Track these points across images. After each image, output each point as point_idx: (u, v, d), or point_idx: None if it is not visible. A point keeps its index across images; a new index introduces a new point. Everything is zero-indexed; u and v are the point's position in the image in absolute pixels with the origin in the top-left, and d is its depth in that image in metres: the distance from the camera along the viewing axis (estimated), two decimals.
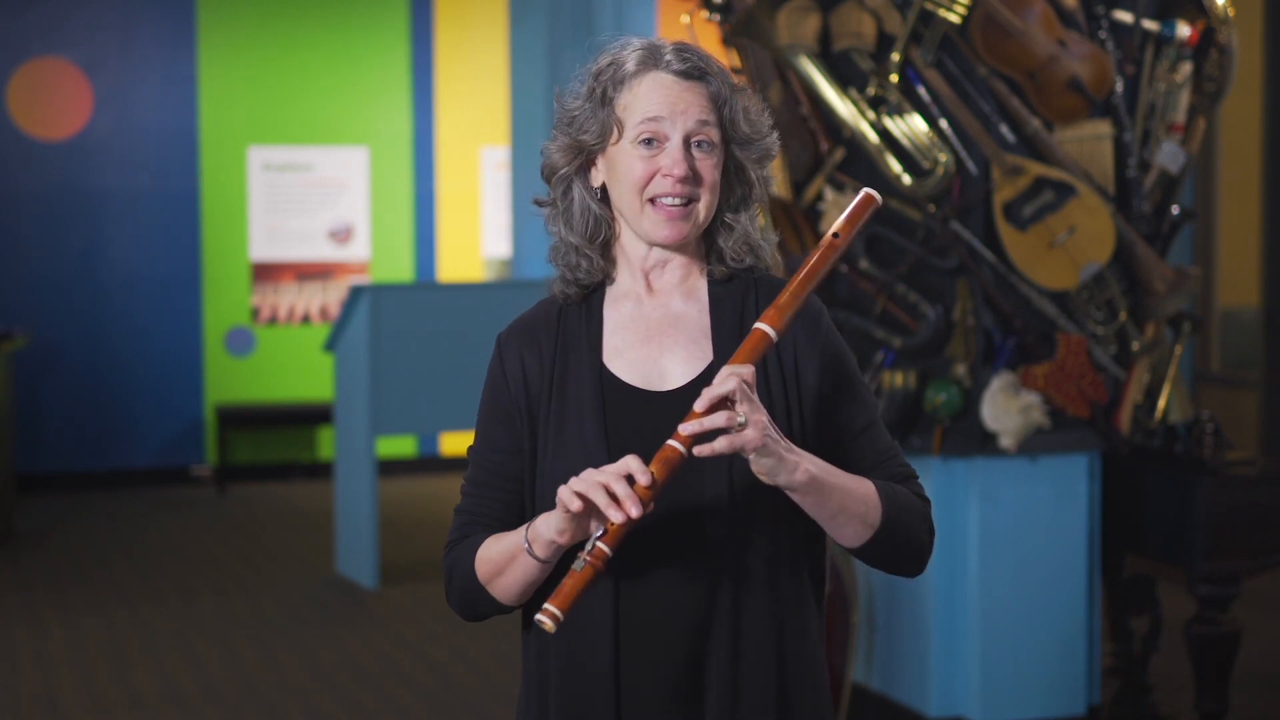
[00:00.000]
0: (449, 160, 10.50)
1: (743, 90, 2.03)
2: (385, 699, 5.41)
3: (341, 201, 10.32)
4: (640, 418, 1.97)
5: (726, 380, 1.80)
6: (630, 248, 2.04)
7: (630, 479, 1.78)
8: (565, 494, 1.81)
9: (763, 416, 1.81)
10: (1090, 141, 4.60)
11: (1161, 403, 4.73)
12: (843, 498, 1.91)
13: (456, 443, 10.41)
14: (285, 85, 10.17)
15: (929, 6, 4.51)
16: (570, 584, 1.76)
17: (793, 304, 1.87)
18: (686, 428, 1.79)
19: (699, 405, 1.79)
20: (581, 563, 1.76)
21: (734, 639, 1.94)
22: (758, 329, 1.86)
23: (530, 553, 1.89)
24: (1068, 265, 4.48)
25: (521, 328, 2.08)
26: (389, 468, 9.87)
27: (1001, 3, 4.48)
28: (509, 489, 2.04)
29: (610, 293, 2.06)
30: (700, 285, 2.05)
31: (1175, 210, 4.75)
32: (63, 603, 6.84)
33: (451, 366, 7.17)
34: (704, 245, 2.06)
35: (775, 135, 2.05)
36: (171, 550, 8.00)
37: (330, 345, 7.58)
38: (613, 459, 1.92)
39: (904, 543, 1.99)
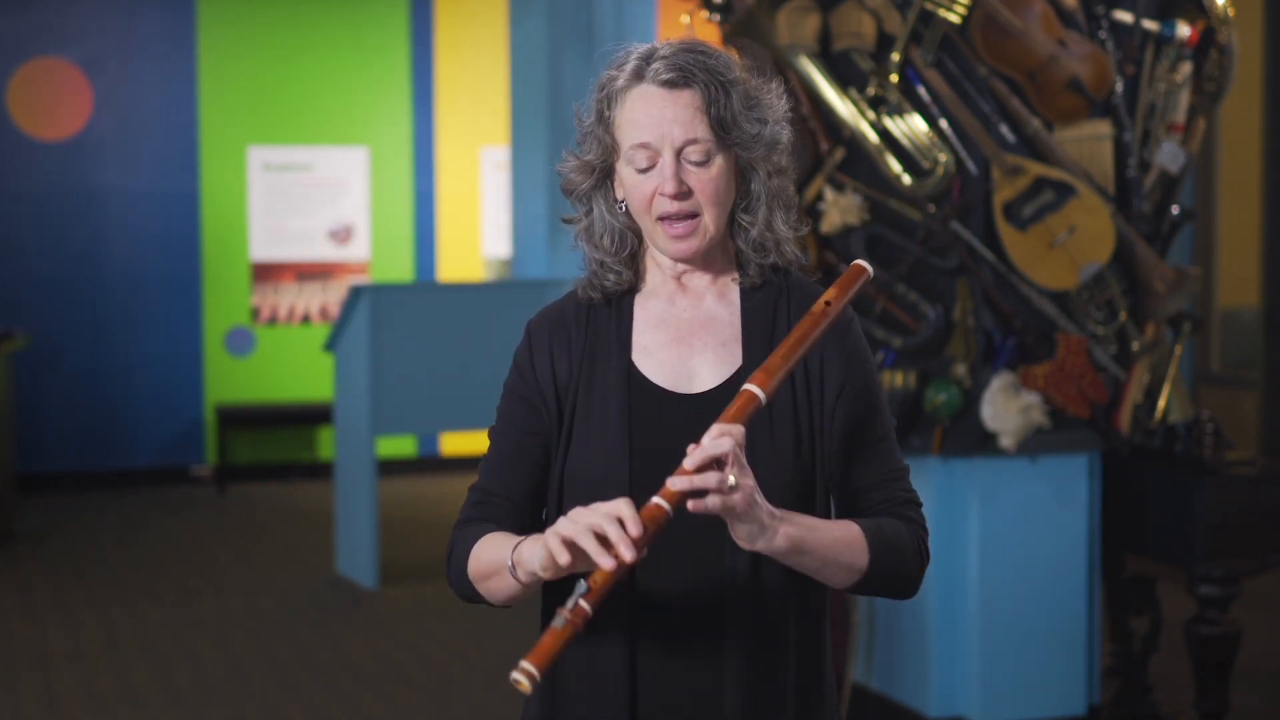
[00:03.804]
0: (449, 160, 10.50)
1: (742, 82, 1.97)
2: (385, 699, 5.41)
3: (341, 201, 10.32)
4: (665, 419, 1.96)
5: (720, 441, 1.76)
6: (660, 256, 2.04)
7: (620, 523, 1.72)
8: (554, 544, 1.74)
9: (750, 481, 1.78)
10: (1090, 141, 4.60)
11: (1161, 403, 4.73)
12: (826, 553, 1.89)
13: (456, 443, 10.41)
14: (285, 85, 10.17)
15: (929, 6, 4.51)
16: (549, 641, 1.69)
17: (783, 366, 1.85)
18: (676, 483, 1.74)
19: (689, 463, 1.75)
20: (562, 620, 1.69)
21: (753, 643, 1.94)
22: (747, 390, 1.82)
23: (513, 574, 1.86)
24: (1068, 265, 4.48)
25: (553, 318, 2.06)
26: (389, 468, 9.87)
27: (1001, 3, 4.48)
28: (526, 470, 2.01)
29: (641, 293, 2.06)
30: (732, 286, 2.04)
31: (1175, 210, 4.75)
32: (62, 602, 6.84)
33: (451, 366, 7.17)
34: (730, 247, 2.04)
35: (780, 120, 2.00)
36: (171, 550, 8.00)
37: (330, 345, 7.58)
38: (634, 460, 1.92)
39: (890, 580, 1.99)
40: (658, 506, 1.73)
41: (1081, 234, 4.47)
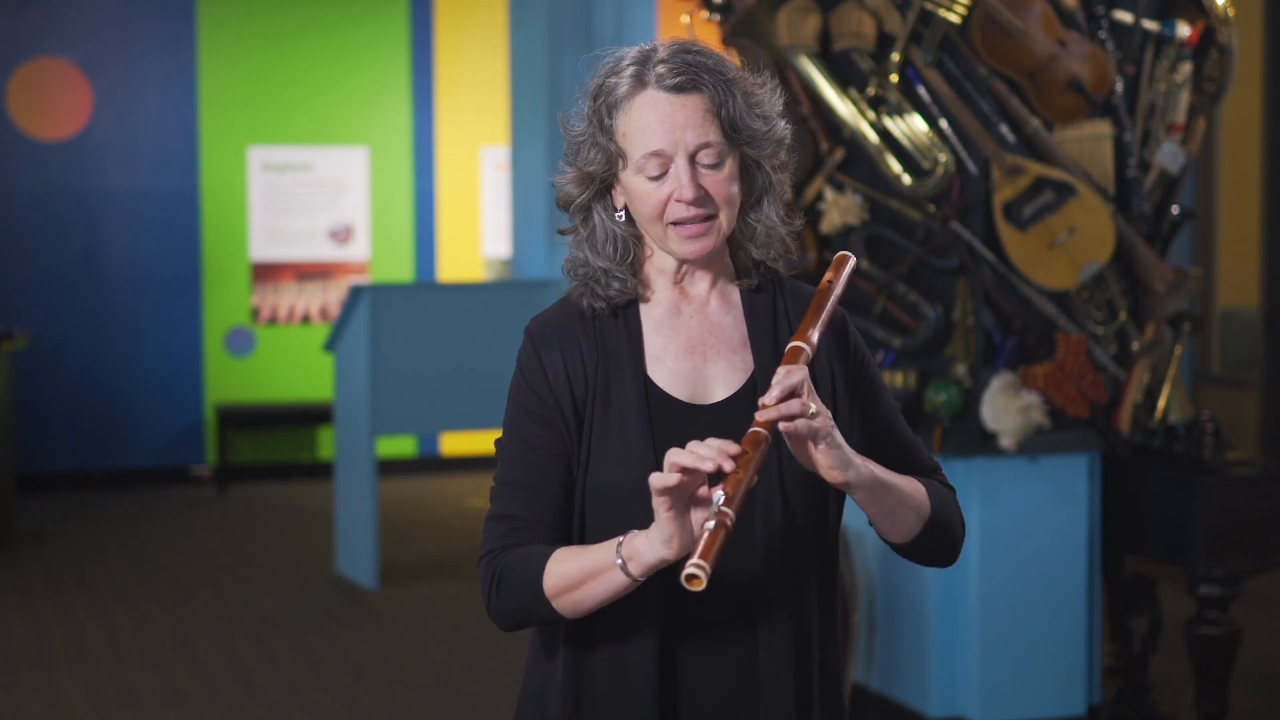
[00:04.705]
0: (449, 160, 10.50)
1: (740, 80, 1.98)
2: (385, 699, 5.41)
3: (341, 201, 10.32)
4: (685, 431, 1.95)
5: (793, 374, 1.84)
6: (662, 262, 2.03)
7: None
8: (656, 479, 1.78)
9: (825, 409, 1.87)
10: (1090, 141, 4.60)
11: (1161, 403, 4.73)
12: (900, 492, 1.97)
13: (456, 443, 10.41)
14: (285, 85, 10.17)
15: (929, 6, 4.51)
16: (709, 541, 1.74)
17: (812, 326, 1.94)
18: (764, 414, 1.82)
19: (769, 398, 1.83)
20: (713, 523, 1.75)
21: (786, 637, 1.96)
22: (794, 345, 1.90)
23: (624, 570, 1.85)
24: (1068, 265, 4.48)
25: (558, 325, 2.03)
26: (389, 468, 9.87)
27: (1001, 3, 4.48)
28: (555, 492, 1.97)
29: (645, 303, 2.04)
30: (733, 290, 2.05)
31: (1175, 210, 4.75)
32: (62, 603, 6.84)
33: (451, 366, 7.17)
34: (725, 247, 2.04)
35: (780, 115, 2.01)
36: (171, 550, 8.00)
37: (330, 345, 7.58)
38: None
39: (948, 533, 2.05)
40: (756, 432, 1.82)
41: (1081, 234, 4.47)
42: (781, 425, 1.82)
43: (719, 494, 1.77)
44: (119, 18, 9.85)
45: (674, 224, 1.95)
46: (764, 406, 1.83)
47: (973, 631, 4.61)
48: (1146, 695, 4.82)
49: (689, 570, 1.71)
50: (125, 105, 9.86)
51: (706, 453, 1.76)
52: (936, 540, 2.04)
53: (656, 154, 1.93)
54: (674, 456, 1.77)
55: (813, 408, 1.83)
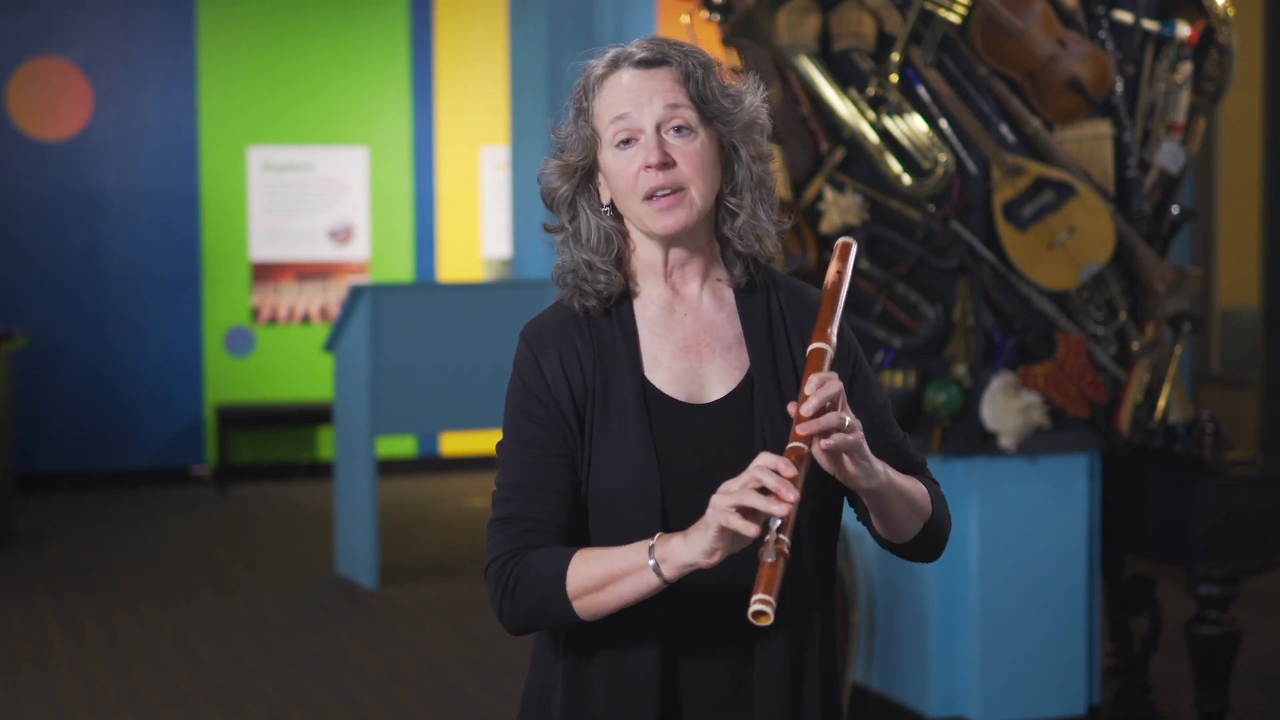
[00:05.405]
0: (449, 160, 10.50)
1: (715, 65, 2.00)
2: (385, 699, 5.41)
3: (341, 201, 10.32)
4: (684, 431, 1.96)
5: (829, 384, 1.82)
6: (647, 256, 2.03)
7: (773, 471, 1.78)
8: (735, 522, 1.75)
9: (857, 420, 1.85)
10: (1090, 141, 4.60)
11: (1161, 403, 4.73)
12: (909, 498, 1.98)
13: (456, 443, 10.41)
14: (285, 85, 10.17)
15: (929, 6, 4.51)
16: (769, 573, 1.73)
17: (830, 323, 1.92)
18: (803, 428, 1.80)
19: (807, 409, 1.81)
20: (773, 554, 1.74)
21: (784, 658, 1.96)
22: (815, 348, 1.89)
23: (657, 572, 1.83)
24: (1068, 265, 4.48)
25: (553, 329, 2.03)
26: (389, 468, 9.87)
27: (1001, 3, 4.48)
28: (561, 491, 1.96)
29: (638, 302, 2.04)
30: (725, 289, 2.05)
31: (1175, 210, 4.75)
32: (62, 603, 6.84)
33: (451, 366, 7.17)
34: (715, 245, 2.04)
35: (757, 103, 2.01)
36: (171, 550, 8.00)
37: (330, 345, 7.58)
38: (662, 473, 1.92)
39: (940, 530, 2.07)
40: (797, 448, 1.80)
41: (1081, 234, 4.47)
42: (821, 443, 1.81)
43: (775, 520, 1.76)
44: (119, 18, 9.85)
45: (648, 198, 1.95)
46: (799, 419, 1.81)
47: (973, 631, 4.61)
48: (1146, 695, 4.82)
49: (756, 607, 1.71)
50: (125, 105, 9.86)
51: (773, 484, 1.74)
52: (930, 538, 2.06)
53: (622, 118, 1.95)
54: (745, 499, 1.75)
55: (847, 420, 1.82)
